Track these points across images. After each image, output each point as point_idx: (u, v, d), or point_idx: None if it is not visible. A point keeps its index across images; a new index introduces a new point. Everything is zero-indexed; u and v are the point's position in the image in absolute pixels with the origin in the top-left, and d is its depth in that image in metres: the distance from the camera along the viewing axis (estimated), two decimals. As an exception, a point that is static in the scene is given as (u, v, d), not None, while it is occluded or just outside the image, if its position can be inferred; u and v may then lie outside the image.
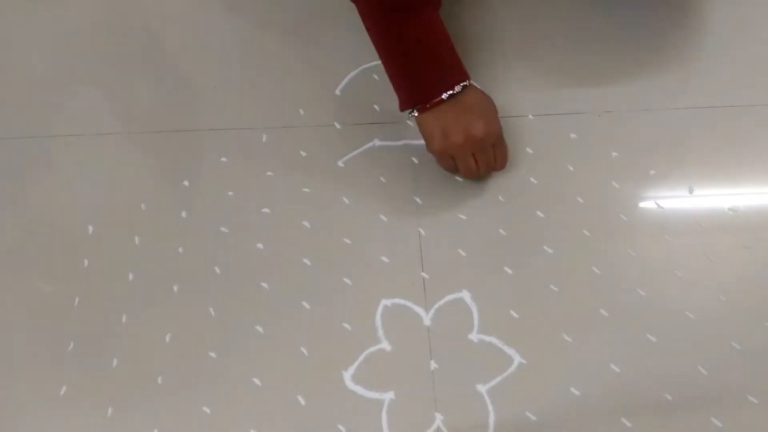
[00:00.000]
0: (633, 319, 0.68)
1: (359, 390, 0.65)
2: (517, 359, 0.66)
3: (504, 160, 0.73)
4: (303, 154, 0.76)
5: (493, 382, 0.65)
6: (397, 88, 0.68)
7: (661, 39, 0.84)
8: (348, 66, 0.81)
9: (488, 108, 0.70)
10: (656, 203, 0.74)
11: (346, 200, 0.74)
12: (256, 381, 0.65)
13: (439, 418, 0.64)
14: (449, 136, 0.67)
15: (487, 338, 0.67)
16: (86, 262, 0.70)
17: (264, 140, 0.77)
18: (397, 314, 0.68)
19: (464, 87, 0.67)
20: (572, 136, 0.78)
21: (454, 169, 0.71)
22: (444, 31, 0.67)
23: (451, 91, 0.66)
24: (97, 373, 0.66)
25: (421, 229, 0.72)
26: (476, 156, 0.69)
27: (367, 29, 0.68)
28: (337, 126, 0.77)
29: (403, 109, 0.69)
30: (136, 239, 0.72)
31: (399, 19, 0.65)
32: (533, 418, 0.64)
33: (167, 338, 0.67)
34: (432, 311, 0.68)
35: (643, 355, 0.67)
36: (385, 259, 0.71)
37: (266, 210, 0.73)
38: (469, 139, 0.67)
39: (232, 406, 0.64)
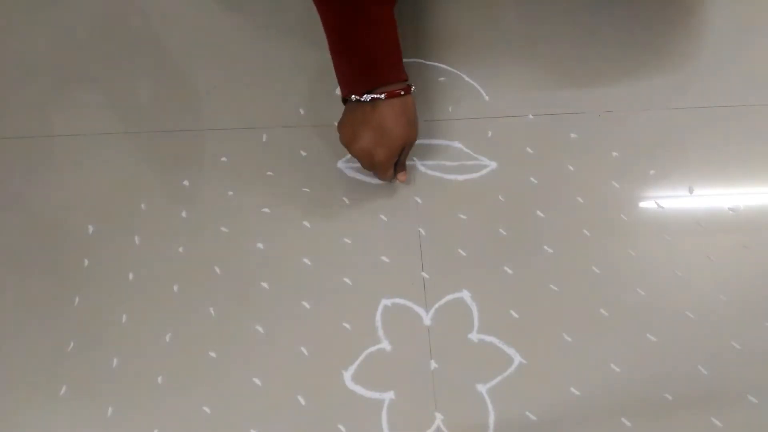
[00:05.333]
0: (633, 319, 0.68)
1: (359, 390, 0.65)
2: (517, 359, 0.66)
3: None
4: (303, 154, 0.76)
5: (493, 382, 0.65)
6: (348, 72, 0.66)
7: (662, 39, 0.84)
8: (348, 66, 0.81)
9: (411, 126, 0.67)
10: (656, 203, 0.74)
11: (346, 200, 0.74)
12: (256, 381, 0.65)
13: (439, 418, 0.64)
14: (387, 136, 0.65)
15: (487, 338, 0.67)
16: (86, 262, 0.70)
17: (264, 140, 0.77)
18: (397, 314, 0.68)
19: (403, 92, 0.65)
20: (572, 136, 0.78)
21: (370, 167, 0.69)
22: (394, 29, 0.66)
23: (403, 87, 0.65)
24: (97, 373, 0.66)
25: (421, 229, 0.72)
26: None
27: (321, 14, 0.65)
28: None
29: (355, 91, 0.65)
30: (136, 239, 0.72)
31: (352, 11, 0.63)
32: (533, 418, 0.64)
33: (167, 338, 0.67)
34: (432, 311, 0.68)
35: (643, 355, 0.67)
36: (385, 259, 0.71)
37: (266, 210, 0.73)
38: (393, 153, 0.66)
39: (232, 406, 0.64)
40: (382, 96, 0.63)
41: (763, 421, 0.64)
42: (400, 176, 0.72)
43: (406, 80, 0.66)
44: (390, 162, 0.67)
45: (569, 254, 0.71)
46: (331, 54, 0.67)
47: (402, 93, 0.64)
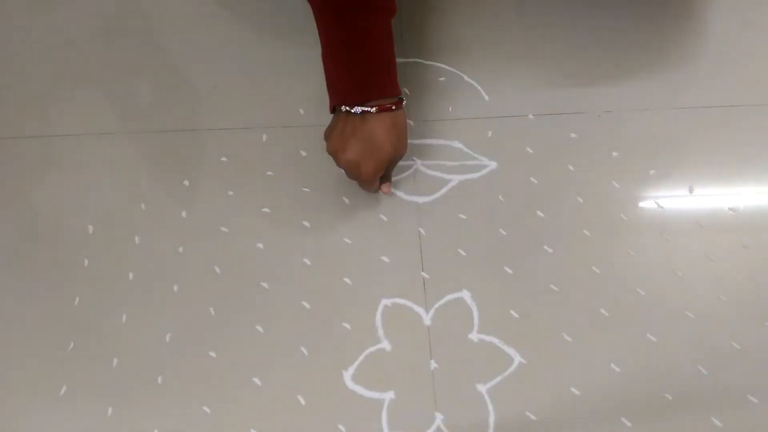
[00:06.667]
0: (633, 319, 0.68)
1: (359, 390, 0.65)
2: (517, 359, 0.66)
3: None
4: (303, 154, 0.76)
5: (493, 382, 0.65)
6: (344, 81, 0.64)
7: (662, 39, 0.84)
8: (348, 66, 0.81)
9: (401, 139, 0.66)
10: (656, 203, 0.74)
11: (346, 200, 0.74)
12: (256, 381, 0.65)
13: (439, 417, 0.64)
14: (376, 150, 0.64)
15: (487, 338, 0.67)
16: (86, 262, 0.70)
17: (264, 140, 0.77)
18: (397, 314, 0.68)
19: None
20: (572, 136, 0.78)
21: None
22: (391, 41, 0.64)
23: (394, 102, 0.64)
24: (97, 373, 0.66)
25: (421, 229, 0.72)
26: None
27: (318, 22, 0.64)
28: (337, 126, 0.77)
29: (345, 103, 0.63)
30: (136, 239, 0.72)
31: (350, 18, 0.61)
32: (533, 418, 0.64)
33: (167, 338, 0.67)
34: (432, 311, 0.68)
35: (643, 355, 0.67)
36: (385, 259, 0.71)
37: (266, 210, 0.73)
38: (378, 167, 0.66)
39: (232, 406, 0.64)
40: (373, 110, 0.63)
41: (763, 421, 0.64)
42: (384, 188, 0.71)
43: (399, 95, 0.65)
44: (376, 175, 0.66)
45: (569, 254, 0.71)
46: (324, 62, 0.66)
47: (393, 108, 0.64)
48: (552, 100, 0.79)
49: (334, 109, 0.67)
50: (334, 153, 0.66)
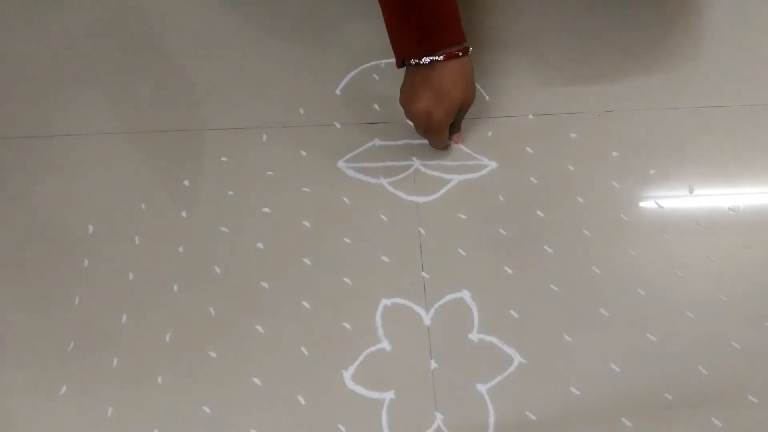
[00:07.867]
0: (633, 319, 0.68)
1: (359, 390, 0.65)
2: (517, 359, 0.66)
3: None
4: (303, 154, 0.76)
5: (493, 382, 0.65)
6: (404, 34, 0.66)
7: (661, 39, 0.84)
8: (348, 66, 0.81)
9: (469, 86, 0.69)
10: (656, 203, 0.74)
11: (346, 200, 0.74)
12: (256, 381, 0.65)
13: (439, 417, 0.64)
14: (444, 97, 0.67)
15: (487, 338, 0.67)
16: (86, 262, 0.70)
17: (264, 140, 0.77)
18: (397, 314, 0.68)
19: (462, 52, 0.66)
20: (572, 136, 0.78)
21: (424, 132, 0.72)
22: None
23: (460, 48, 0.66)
24: (97, 373, 0.66)
25: (421, 229, 0.72)
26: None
27: None
28: (337, 126, 0.78)
29: (415, 55, 0.66)
30: (136, 239, 0.72)
31: None
32: (533, 418, 0.64)
33: (167, 338, 0.67)
34: (432, 311, 0.68)
35: (643, 355, 0.67)
36: (385, 259, 0.71)
37: (266, 210, 0.73)
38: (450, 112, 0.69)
39: (232, 406, 0.64)
40: (441, 58, 0.65)
41: (763, 421, 0.64)
42: (455, 137, 0.75)
43: (464, 41, 0.67)
44: (447, 122, 0.69)
45: (569, 254, 0.71)
46: (386, 19, 0.67)
47: (460, 54, 0.66)
48: (552, 100, 0.79)
49: (402, 63, 0.68)
50: (405, 105, 0.69)
